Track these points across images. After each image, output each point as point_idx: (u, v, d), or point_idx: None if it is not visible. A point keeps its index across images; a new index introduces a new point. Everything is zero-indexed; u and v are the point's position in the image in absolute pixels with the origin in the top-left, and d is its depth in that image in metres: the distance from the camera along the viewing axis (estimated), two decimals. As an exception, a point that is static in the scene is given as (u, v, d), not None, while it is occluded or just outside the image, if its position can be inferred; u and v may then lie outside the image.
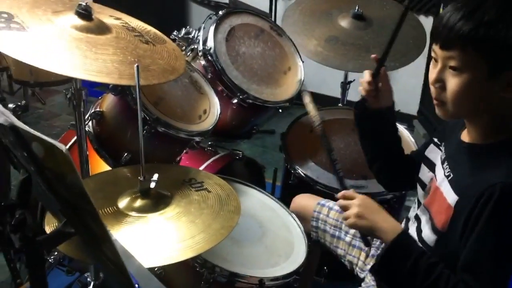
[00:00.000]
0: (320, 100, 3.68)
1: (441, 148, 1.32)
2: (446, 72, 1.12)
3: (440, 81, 1.13)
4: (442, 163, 1.26)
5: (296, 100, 2.10)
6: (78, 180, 0.79)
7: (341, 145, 2.09)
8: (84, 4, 1.39)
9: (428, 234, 1.23)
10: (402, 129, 2.19)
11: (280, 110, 2.05)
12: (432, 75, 1.15)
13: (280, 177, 2.26)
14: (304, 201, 1.79)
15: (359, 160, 2.03)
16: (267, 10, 3.74)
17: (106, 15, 1.53)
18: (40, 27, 1.31)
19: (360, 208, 1.24)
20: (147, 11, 3.94)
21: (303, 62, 2.14)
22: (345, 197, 1.29)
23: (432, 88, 1.17)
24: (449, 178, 1.20)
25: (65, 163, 0.79)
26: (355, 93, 1.61)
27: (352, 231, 1.60)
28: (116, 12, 1.60)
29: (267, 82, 2.02)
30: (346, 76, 2.50)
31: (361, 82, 1.42)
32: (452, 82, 1.11)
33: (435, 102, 1.18)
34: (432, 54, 1.16)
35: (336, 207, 1.67)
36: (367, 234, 1.31)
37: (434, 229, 1.21)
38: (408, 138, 2.15)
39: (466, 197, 1.11)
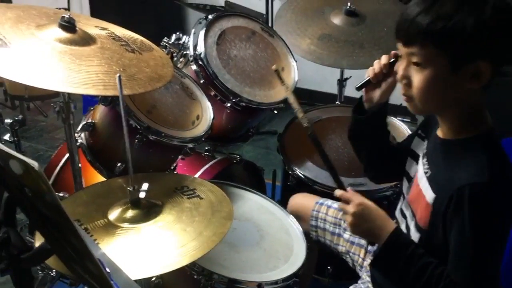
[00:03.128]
0: (319, 97, 3.72)
1: (425, 140, 1.30)
2: (410, 68, 1.11)
3: (406, 78, 1.13)
4: (423, 157, 1.24)
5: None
6: (54, 198, 0.78)
7: (339, 143, 2.06)
8: (67, 16, 1.39)
9: (413, 232, 1.23)
10: (399, 124, 2.17)
11: (276, 112, 2.03)
12: (399, 72, 1.14)
13: (280, 178, 2.24)
14: (302, 200, 1.76)
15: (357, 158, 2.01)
16: (263, 11, 3.71)
17: (91, 26, 1.52)
18: (23, 42, 1.30)
19: (355, 219, 1.23)
20: (144, 20, 3.98)
21: (296, 62, 2.12)
22: (343, 199, 1.26)
23: (400, 85, 1.16)
24: (427, 175, 1.19)
25: (39, 180, 0.78)
26: (352, 90, 1.58)
27: None
28: (102, 22, 1.60)
29: (260, 84, 2.01)
30: (342, 73, 2.48)
31: (374, 64, 1.34)
32: (416, 78, 1.10)
33: (404, 98, 1.17)
34: (398, 51, 1.16)
35: (335, 205, 1.65)
36: (366, 240, 1.34)
37: (417, 226, 1.20)
38: (406, 132, 2.12)
39: (442, 195, 1.10)
